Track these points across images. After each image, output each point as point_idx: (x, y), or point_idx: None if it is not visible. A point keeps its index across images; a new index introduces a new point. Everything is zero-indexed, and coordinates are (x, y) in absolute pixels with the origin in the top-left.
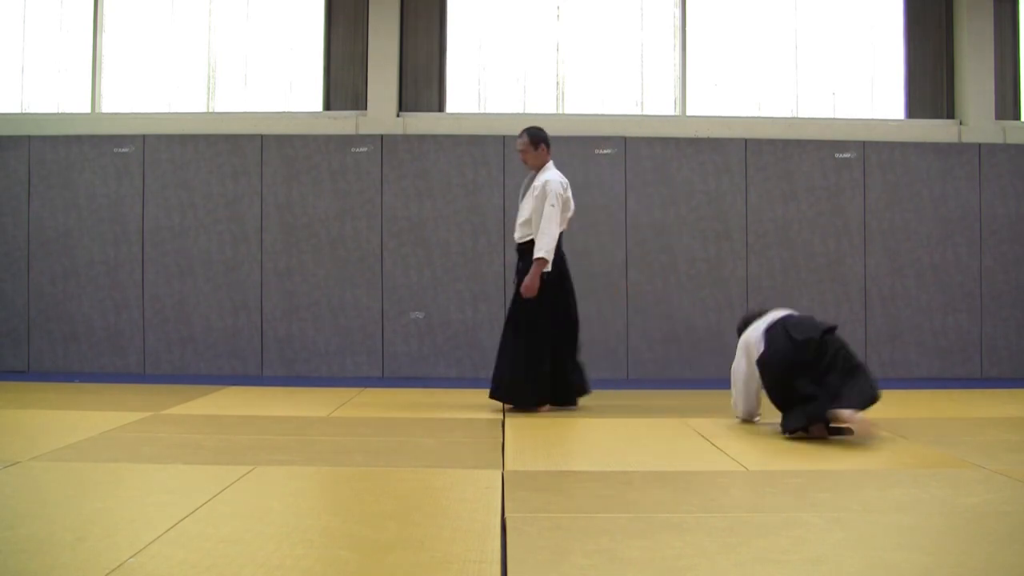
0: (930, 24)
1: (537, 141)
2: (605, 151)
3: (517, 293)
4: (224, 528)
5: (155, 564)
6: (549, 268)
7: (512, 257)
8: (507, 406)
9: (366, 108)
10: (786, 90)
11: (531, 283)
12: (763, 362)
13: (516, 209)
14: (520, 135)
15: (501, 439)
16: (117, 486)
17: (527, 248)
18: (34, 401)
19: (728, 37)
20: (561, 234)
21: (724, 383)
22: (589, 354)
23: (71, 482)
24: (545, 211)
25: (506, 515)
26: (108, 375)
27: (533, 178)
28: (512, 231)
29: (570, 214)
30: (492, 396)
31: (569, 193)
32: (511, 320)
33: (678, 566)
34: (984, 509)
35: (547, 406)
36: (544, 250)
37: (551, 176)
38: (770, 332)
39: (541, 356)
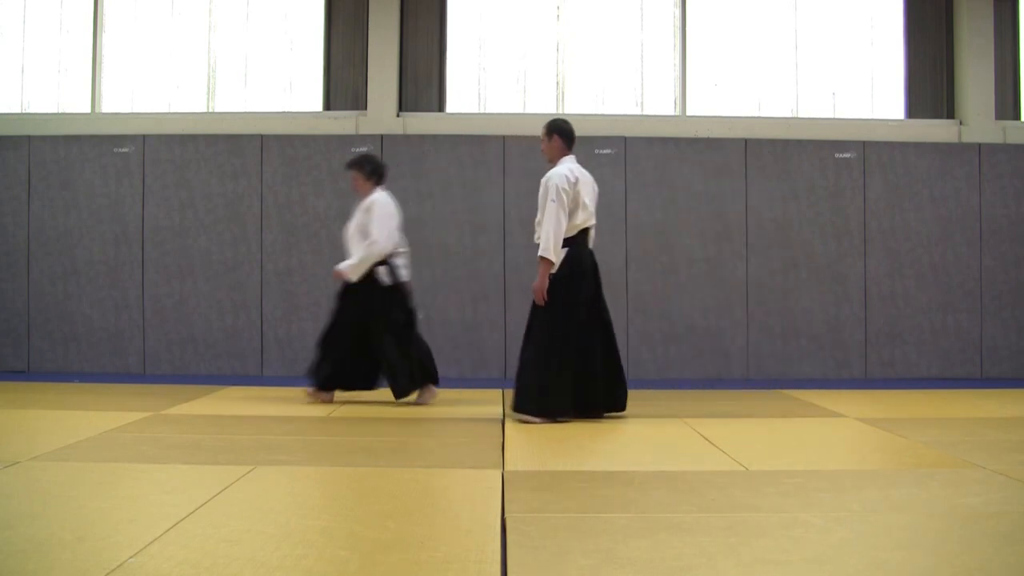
0: (930, 24)
1: (551, 131)
2: (605, 151)
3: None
4: (224, 528)
5: (155, 564)
6: (555, 269)
7: (512, 257)
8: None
9: (366, 108)
10: (786, 90)
11: (536, 285)
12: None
13: (516, 209)
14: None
15: (501, 439)
16: (117, 486)
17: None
18: (34, 401)
19: (728, 37)
20: (584, 231)
21: (724, 383)
22: None
23: (71, 482)
24: (547, 207)
25: (506, 515)
26: (108, 375)
27: None
28: (512, 231)
29: (585, 210)
30: (514, 409)
31: (583, 188)
32: (527, 328)
33: (678, 566)
34: (984, 509)
35: (566, 417)
36: (544, 249)
37: (556, 170)
38: (576, 247)
39: (556, 364)
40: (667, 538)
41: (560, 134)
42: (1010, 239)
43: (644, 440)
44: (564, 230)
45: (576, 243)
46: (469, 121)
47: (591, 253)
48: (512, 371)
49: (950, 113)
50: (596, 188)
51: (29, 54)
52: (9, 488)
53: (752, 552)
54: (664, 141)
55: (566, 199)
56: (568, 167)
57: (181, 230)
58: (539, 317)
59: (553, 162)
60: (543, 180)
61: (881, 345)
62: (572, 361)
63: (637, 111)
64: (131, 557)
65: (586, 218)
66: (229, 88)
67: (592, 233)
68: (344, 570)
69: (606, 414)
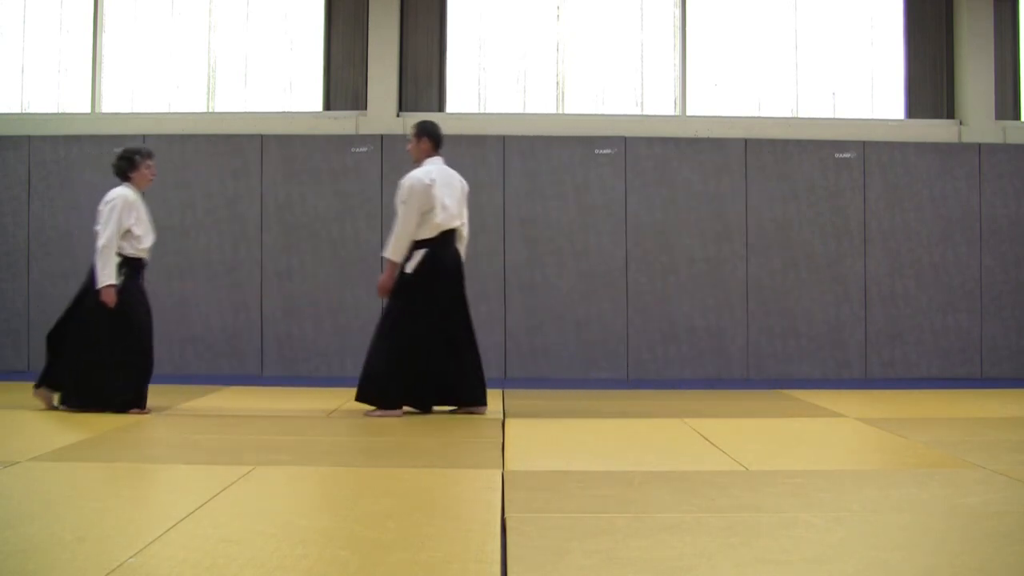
0: (930, 24)
1: (420, 134)
2: (605, 151)
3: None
4: (224, 528)
5: (155, 564)
6: (410, 268)
7: (512, 257)
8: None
9: (366, 108)
10: (786, 90)
11: (381, 282)
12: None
13: (516, 209)
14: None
15: (501, 439)
16: (117, 486)
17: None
18: (34, 401)
19: (728, 37)
20: (449, 232)
21: (724, 383)
22: (590, 354)
23: (71, 482)
24: (399, 210)
25: (506, 515)
26: None
27: None
28: (512, 231)
29: (445, 211)
30: (356, 399)
31: (441, 189)
32: (380, 322)
33: (678, 566)
34: (984, 509)
35: (403, 408)
36: (389, 250)
37: (414, 172)
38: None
39: (401, 358)
40: (667, 538)
41: (429, 136)
42: (1010, 239)
43: (644, 440)
44: (412, 231)
45: (436, 244)
46: (469, 121)
47: (456, 254)
48: (512, 371)
49: (950, 113)
50: (465, 187)
51: (29, 54)
52: (9, 488)
53: (752, 552)
54: (664, 141)
55: (415, 201)
56: (426, 169)
57: (181, 230)
58: (391, 313)
59: (418, 162)
60: (400, 182)
61: (881, 345)
62: (417, 358)
63: (637, 111)
64: (131, 557)
65: (447, 219)
66: (229, 88)
67: (463, 232)
68: (344, 570)
69: (464, 408)
